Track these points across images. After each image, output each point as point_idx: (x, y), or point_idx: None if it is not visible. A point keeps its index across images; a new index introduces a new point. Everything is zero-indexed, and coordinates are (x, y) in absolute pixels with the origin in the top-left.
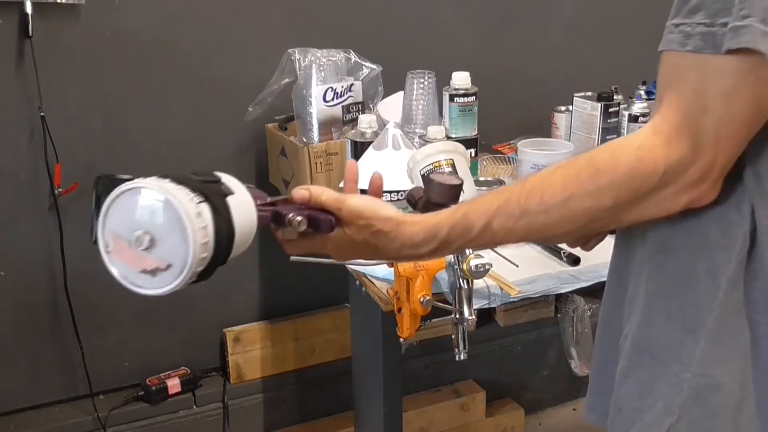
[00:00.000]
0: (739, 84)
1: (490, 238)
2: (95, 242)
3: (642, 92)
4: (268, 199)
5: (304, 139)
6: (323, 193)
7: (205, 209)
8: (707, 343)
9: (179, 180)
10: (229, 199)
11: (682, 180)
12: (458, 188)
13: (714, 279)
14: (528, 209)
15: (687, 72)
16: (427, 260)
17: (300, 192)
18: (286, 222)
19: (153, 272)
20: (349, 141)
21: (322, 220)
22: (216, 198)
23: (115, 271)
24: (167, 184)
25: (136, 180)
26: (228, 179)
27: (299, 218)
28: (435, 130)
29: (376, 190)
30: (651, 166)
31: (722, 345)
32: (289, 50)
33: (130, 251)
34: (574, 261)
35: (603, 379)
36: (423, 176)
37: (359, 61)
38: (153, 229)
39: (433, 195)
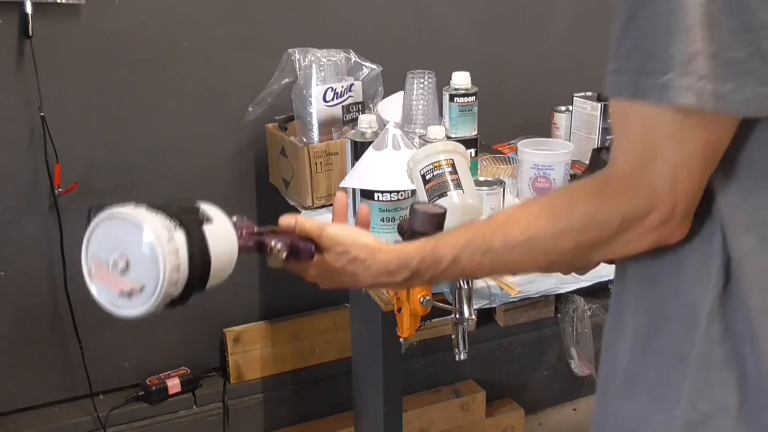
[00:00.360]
0: (682, 129)
1: (460, 272)
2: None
3: None
4: (256, 229)
5: (304, 139)
6: (307, 222)
7: (179, 234)
8: (694, 377)
9: (155, 207)
10: (206, 227)
11: (644, 225)
12: (441, 216)
13: (693, 312)
14: (493, 246)
15: (632, 118)
16: (404, 288)
17: (286, 220)
18: (268, 250)
19: (129, 294)
20: (349, 141)
21: (302, 248)
22: (191, 224)
23: (95, 294)
24: (142, 211)
25: (113, 207)
26: (209, 208)
27: (279, 245)
28: (435, 130)
29: (363, 221)
30: (606, 216)
31: (709, 379)
32: (289, 50)
33: (109, 274)
34: None
35: (603, 399)
36: (411, 206)
37: (359, 61)
38: (128, 252)
39: (417, 224)
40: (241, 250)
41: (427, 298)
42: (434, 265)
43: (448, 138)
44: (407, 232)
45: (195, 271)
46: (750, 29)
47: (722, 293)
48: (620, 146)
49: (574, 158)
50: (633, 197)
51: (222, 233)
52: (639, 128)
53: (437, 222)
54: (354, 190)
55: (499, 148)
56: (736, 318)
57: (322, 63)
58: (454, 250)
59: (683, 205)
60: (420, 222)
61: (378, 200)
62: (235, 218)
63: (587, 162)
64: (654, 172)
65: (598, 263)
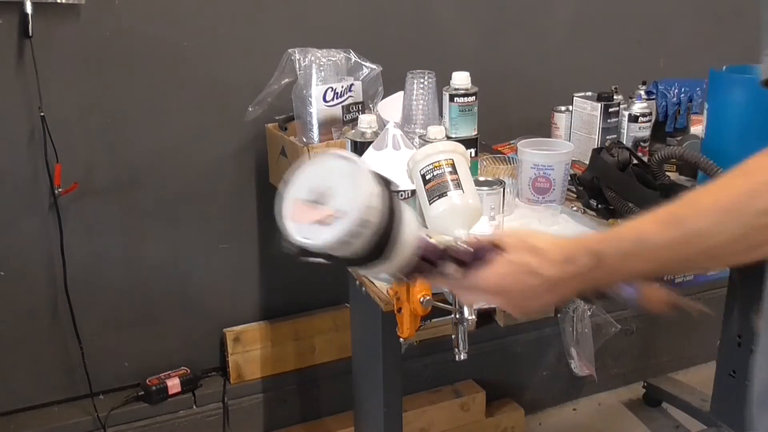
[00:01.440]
0: None
1: (647, 253)
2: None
3: (642, 92)
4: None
5: (304, 139)
6: (483, 237)
7: (379, 186)
8: None
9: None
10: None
11: None
12: None
13: None
14: (681, 215)
15: None
16: (587, 278)
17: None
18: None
19: (325, 221)
20: (349, 141)
21: (486, 248)
22: (390, 187)
23: (289, 229)
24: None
25: (320, 154)
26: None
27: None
28: (435, 130)
29: None
30: None
31: None
32: (289, 50)
33: (308, 208)
34: None
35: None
36: None
37: (359, 61)
38: (337, 183)
39: None
40: (419, 245)
41: (427, 298)
42: (617, 245)
43: (448, 138)
44: None
45: (385, 224)
46: None
47: None
48: None
49: (574, 158)
50: None
51: (409, 215)
52: None
53: None
54: None
55: (499, 148)
56: None
57: (322, 63)
58: (638, 225)
59: None
60: None
61: None
62: None
63: (587, 162)
64: None
65: None
